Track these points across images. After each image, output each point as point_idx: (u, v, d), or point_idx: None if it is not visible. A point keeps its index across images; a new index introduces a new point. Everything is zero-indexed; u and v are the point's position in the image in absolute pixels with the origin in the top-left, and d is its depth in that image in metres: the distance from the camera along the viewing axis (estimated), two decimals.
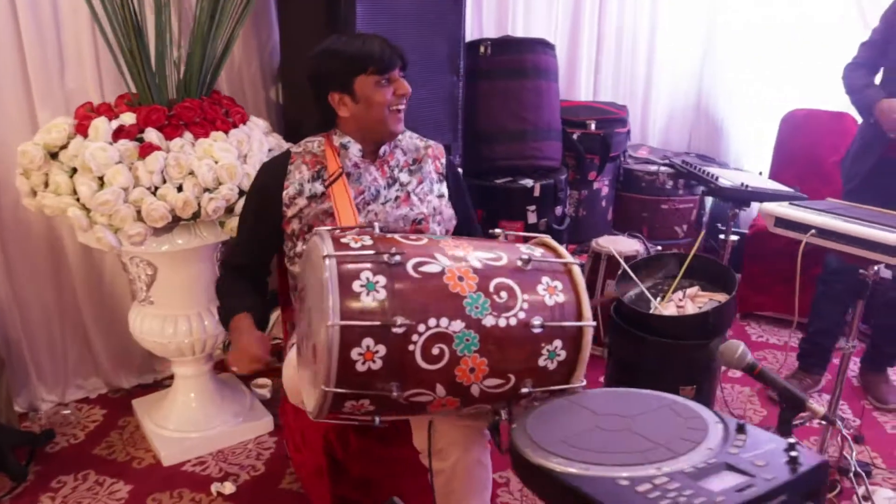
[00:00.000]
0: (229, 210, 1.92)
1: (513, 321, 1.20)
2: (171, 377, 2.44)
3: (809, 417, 1.28)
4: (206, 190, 1.85)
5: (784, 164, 3.37)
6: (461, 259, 1.24)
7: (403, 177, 1.70)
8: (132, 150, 1.83)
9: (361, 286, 1.14)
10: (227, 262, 1.77)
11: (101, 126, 1.83)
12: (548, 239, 1.39)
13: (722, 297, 2.01)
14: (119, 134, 1.84)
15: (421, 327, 1.14)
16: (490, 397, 1.23)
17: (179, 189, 1.83)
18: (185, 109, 1.91)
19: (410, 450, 1.67)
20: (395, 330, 1.12)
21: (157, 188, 1.82)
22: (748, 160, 3.78)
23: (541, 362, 1.23)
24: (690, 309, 2.03)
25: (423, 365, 1.15)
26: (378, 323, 1.12)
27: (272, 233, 1.71)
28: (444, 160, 1.77)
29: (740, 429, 1.03)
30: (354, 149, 1.66)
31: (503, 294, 1.21)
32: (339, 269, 1.14)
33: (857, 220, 1.77)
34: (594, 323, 1.26)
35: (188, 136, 1.90)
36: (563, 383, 1.25)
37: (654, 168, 3.43)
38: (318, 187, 1.64)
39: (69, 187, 1.83)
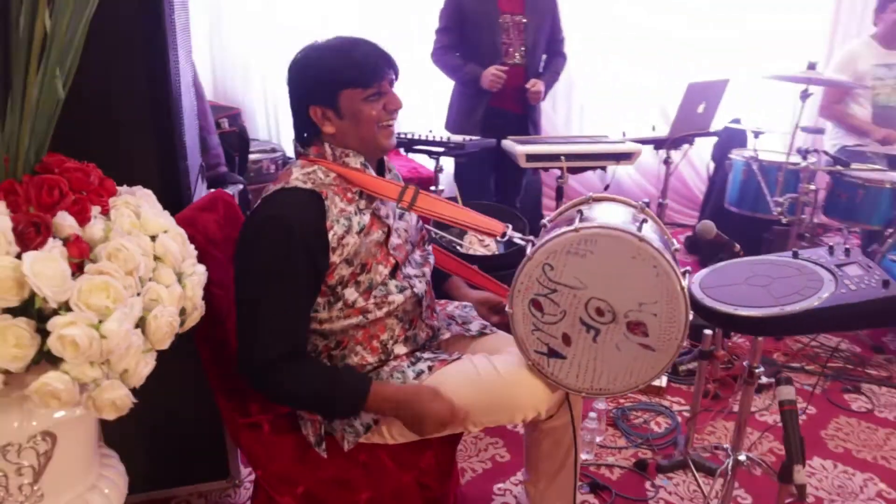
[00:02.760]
0: None
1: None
2: None
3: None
4: (179, 275, 1.28)
5: None
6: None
7: None
8: (64, 253, 1.10)
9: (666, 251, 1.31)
10: (275, 355, 1.37)
11: None
12: (595, 195, 1.69)
13: None
14: (30, 234, 1.07)
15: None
16: None
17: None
18: (75, 173, 1.21)
19: None
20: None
21: (137, 294, 1.17)
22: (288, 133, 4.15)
23: None
24: (493, 246, 2.51)
25: None
26: (684, 275, 1.33)
27: (317, 291, 1.42)
28: None
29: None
30: (371, 169, 1.51)
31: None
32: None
33: (579, 143, 2.58)
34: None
35: (95, 210, 1.23)
36: None
37: (253, 157, 3.50)
38: (365, 218, 1.45)
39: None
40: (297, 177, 1.42)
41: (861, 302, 1.48)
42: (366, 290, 1.44)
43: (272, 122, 4.14)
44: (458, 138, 2.65)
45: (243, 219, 1.77)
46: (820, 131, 3.59)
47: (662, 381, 2.57)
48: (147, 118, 1.64)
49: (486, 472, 2.18)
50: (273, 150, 3.57)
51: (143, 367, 1.14)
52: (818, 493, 2.08)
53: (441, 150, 2.61)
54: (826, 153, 3.18)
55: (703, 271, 1.73)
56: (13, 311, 1.04)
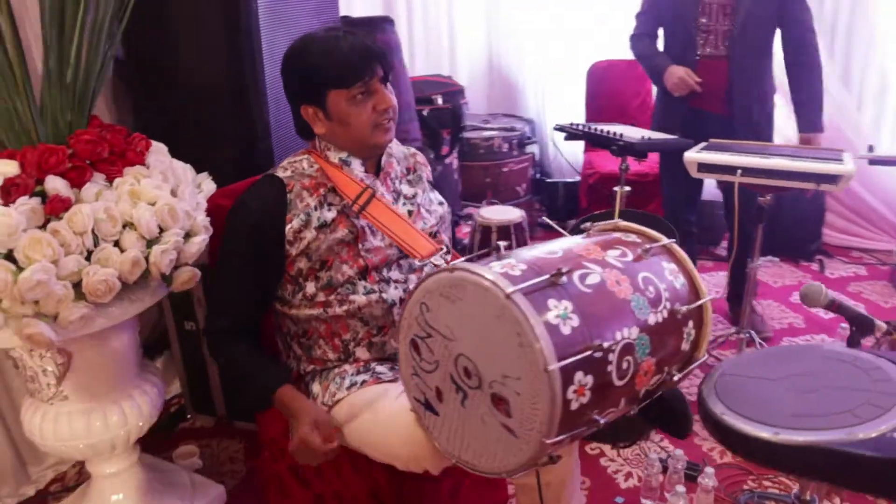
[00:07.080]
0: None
1: (665, 313, 1.17)
2: (56, 481, 2.03)
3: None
4: (150, 242, 1.46)
5: (596, 112, 3.70)
6: (603, 262, 1.16)
7: (406, 189, 1.55)
8: (37, 209, 1.36)
9: (557, 317, 1.01)
10: (218, 327, 1.45)
11: None
12: (621, 222, 1.36)
13: None
14: (11, 190, 1.35)
15: (613, 345, 1.05)
16: (647, 395, 1.20)
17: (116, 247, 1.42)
18: (87, 144, 1.46)
19: None
20: (595, 355, 1.02)
21: (89, 252, 1.39)
22: (554, 113, 4.07)
23: (683, 346, 1.22)
24: None
25: (617, 383, 1.07)
26: (587, 353, 1.01)
27: (273, 279, 1.44)
28: (429, 167, 1.64)
29: None
30: (357, 164, 1.45)
31: (651, 288, 1.17)
32: (530, 303, 0.99)
33: (770, 155, 2.03)
34: (713, 295, 1.28)
35: (99, 177, 1.47)
36: (692, 361, 1.26)
37: (487, 134, 3.53)
38: (328, 214, 1.41)
39: None
40: (284, 164, 1.47)
41: None
42: (326, 287, 1.43)
43: (539, 98, 4.09)
44: (635, 136, 2.32)
45: None
46: None
47: None
48: (232, 103, 1.85)
49: None
50: (511, 129, 3.56)
51: (74, 313, 1.35)
52: None
53: (613, 147, 2.33)
54: None
55: (727, 362, 1.27)
56: None
